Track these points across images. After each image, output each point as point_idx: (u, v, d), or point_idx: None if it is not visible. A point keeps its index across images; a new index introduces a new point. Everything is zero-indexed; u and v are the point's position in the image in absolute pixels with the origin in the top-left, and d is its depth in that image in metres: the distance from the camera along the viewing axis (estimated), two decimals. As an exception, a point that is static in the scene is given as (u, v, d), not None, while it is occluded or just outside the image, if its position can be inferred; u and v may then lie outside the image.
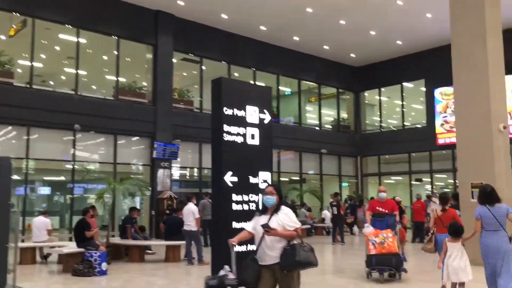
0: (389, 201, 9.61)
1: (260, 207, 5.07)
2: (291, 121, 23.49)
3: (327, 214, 19.78)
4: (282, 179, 22.63)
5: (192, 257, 11.20)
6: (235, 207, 6.52)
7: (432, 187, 22.61)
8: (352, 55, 23.53)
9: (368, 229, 8.95)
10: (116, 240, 12.48)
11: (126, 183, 12.67)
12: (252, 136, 6.85)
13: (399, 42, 21.77)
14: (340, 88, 25.08)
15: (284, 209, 4.71)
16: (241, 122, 6.76)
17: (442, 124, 22.07)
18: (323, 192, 22.42)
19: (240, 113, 6.77)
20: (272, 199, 4.65)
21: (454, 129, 21.59)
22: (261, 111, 6.99)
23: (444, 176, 23.34)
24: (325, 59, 23.65)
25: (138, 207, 16.54)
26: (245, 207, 6.63)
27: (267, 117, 7.04)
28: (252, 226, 4.78)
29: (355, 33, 20.64)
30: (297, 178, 22.89)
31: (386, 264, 8.53)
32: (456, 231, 6.67)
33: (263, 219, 4.67)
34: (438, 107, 22.24)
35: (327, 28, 20.15)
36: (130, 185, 12.86)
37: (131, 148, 18.19)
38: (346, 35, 20.88)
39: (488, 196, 6.46)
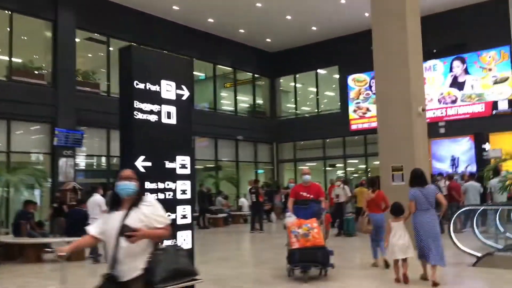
0: (314, 185, 8.38)
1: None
2: (206, 107, 22.58)
3: (244, 201, 19.22)
4: (197, 166, 21.68)
5: (99, 254, 9.99)
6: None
7: (345, 173, 22.89)
8: (268, 40, 23.04)
9: (290, 218, 7.72)
10: (9, 238, 10.86)
11: (20, 173, 11.05)
12: (168, 115, 5.89)
13: (314, 28, 21.60)
14: (255, 74, 24.54)
15: (148, 200, 3.49)
16: (156, 98, 5.78)
17: (355, 110, 22.33)
18: (239, 179, 21.84)
19: (154, 87, 5.78)
20: (131, 186, 3.41)
21: (367, 115, 22.24)
22: (178, 87, 6.05)
23: (356, 161, 23.74)
24: (241, 43, 22.91)
25: (38, 200, 14.80)
26: (161, 196, 5.69)
27: (185, 93, 6.11)
28: (99, 228, 3.44)
29: (271, 17, 20.11)
30: (213, 166, 22.07)
31: (311, 260, 7.31)
32: (398, 211, 7.12)
33: (115, 217, 3.33)
34: (351, 94, 22.46)
35: (243, 11, 19.40)
36: (24, 175, 11.24)
37: (29, 135, 16.25)
38: (262, 19, 20.27)
39: (419, 179, 7.10)
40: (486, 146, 15.35)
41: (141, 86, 5.67)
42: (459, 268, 8.12)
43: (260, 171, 24.66)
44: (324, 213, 8.11)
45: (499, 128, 18.42)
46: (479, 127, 18.34)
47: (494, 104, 19.05)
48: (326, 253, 7.44)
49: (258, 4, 18.85)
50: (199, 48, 21.20)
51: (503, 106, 18.94)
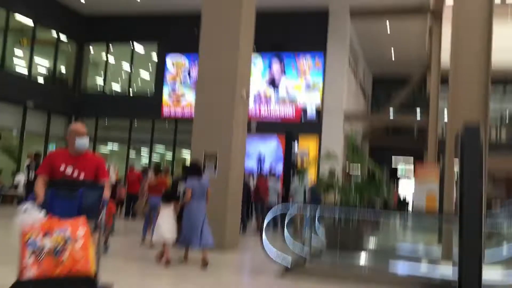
0: (90, 157, 4.71)
1: None
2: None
3: (21, 179, 15.64)
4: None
5: None
6: None
7: (150, 159, 20.72)
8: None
9: (30, 215, 3.93)
10: None
11: None
12: None
13: (137, -3, 19.03)
14: (61, 33, 20.66)
15: None
16: None
17: (169, 95, 20.44)
18: (22, 152, 17.96)
19: None
20: None
21: (181, 102, 20.53)
22: None
23: (163, 148, 21.83)
24: (47, -4, 19.04)
25: None
26: None
27: None
28: None
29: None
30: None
31: None
32: (168, 197, 7.43)
33: None
34: (168, 76, 20.51)
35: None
36: None
37: None
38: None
39: (197, 170, 7.47)
40: (295, 146, 15.01)
41: None
42: (267, 278, 6.82)
43: (52, 145, 20.94)
44: (105, 207, 4.48)
45: (306, 130, 18.53)
46: (288, 127, 18.14)
47: (304, 111, 19.19)
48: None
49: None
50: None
51: (311, 112, 19.20)
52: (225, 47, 9.14)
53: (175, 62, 20.32)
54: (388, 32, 20.97)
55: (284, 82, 19.51)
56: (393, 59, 24.33)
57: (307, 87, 19.29)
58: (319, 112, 18.97)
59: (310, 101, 19.14)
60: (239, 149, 8.85)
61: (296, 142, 15.41)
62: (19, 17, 18.80)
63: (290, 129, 17.00)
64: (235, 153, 8.60)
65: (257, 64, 19.58)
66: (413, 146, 25.48)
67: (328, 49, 19.13)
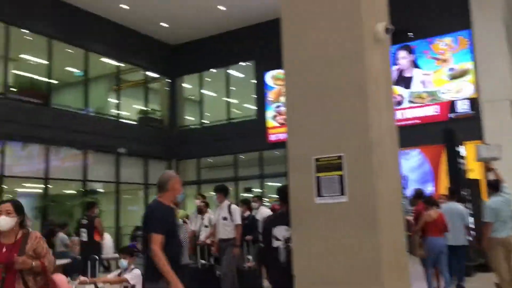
0: None
1: None
2: (90, 110, 15.79)
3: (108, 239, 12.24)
4: (66, 191, 14.85)
5: None
6: None
7: (260, 197, 16.40)
8: (164, 24, 16.63)
9: None
10: None
11: None
12: None
13: (221, 7, 15.51)
14: (149, 71, 17.91)
15: None
16: None
17: (274, 116, 16.29)
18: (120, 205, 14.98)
19: None
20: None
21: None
22: None
23: (277, 184, 17.44)
24: (125, 26, 16.40)
25: None
26: None
27: None
28: None
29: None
30: (81, 189, 15.04)
31: None
32: None
33: None
34: (270, 95, 16.45)
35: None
36: None
37: None
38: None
39: None
40: (462, 150, 9.62)
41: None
42: None
43: (155, 197, 17.73)
44: None
45: (459, 137, 12.83)
46: (433, 136, 12.63)
47: (452, 105, 13.64)
48: None
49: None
50: (62, 27, 14.63)
51: (462, 107, 13.56)
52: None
53: (276, 77, 16.19)
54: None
55: (418, 76, 14.20)
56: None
57: (451, 77, 13.75)
58: (473, 105, 13.28)
59: (459, 94, 13.55)
60: (387, 139, 3.90)
61: (460, 143, 9.88)
62: (105, 60, 16.34)
63: (445, 128, 11.42)
64: (381, 149, 3.65)
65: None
66: None
67: (474, 22, 13.54)
